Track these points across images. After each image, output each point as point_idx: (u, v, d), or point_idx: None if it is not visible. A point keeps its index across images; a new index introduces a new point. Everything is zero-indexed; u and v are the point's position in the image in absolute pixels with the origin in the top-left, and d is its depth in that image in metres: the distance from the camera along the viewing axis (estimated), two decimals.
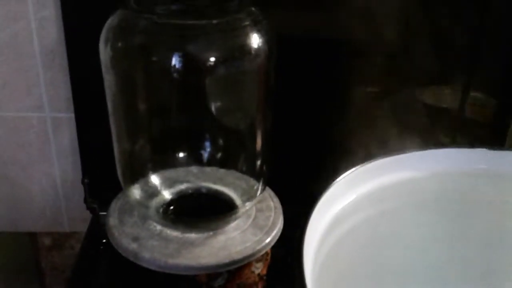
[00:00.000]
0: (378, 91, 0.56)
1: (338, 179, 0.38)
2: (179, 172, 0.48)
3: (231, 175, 0.48)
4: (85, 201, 0.54)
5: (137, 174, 0.47)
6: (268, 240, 0.43)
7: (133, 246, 0.41)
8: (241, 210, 0.45)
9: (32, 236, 0.70)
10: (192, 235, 0.43)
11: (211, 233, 0.43)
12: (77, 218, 0.64)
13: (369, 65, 0.53)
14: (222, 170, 0.48)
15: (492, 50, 0.55)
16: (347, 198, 0.38)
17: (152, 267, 0.41)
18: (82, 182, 0.56)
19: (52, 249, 0.70)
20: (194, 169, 0.48)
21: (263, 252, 0.43)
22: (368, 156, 0.40)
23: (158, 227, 0.43)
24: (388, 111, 0.55)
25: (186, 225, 0.43)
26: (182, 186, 0.47)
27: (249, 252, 0.42)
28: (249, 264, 0.43)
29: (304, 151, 0.57)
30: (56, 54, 0.54)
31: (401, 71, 0.54)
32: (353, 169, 0.39)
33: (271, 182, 0.48)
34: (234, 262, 0.41)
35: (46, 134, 0.59)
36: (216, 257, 0.41)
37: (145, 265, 0.41)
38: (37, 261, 0.71)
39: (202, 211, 0.46)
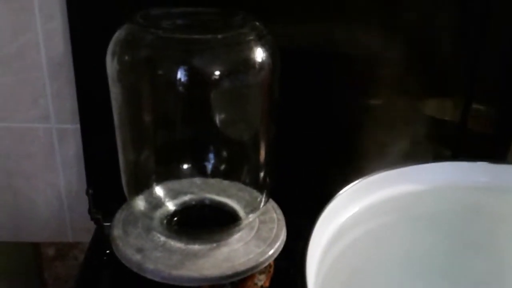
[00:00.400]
0: (380, 103, 0.56)
1: (341, 192, 0.38)
2: (183, 183, 0.48)
3: (234, 186, 0.48)
4: (89, 211, 0.55)
5: (142, 185, 0.47)
6: (271, 252, 0.43)
7: (137, 257, 0.41)
8: (245, 222, 0.45)
9: (36, 246, 0.70)
10: (196, 247, 0.43)
11: (214, 244, 0.43)
12: (81, 229, 0.64)
13: (370, 77, 0.54)
14: (226, 182, 0.48)
15: (494, 61, 0.55)
16: (349, 211, 0.39)
17: (156, 279, 0.41)
18: (87, 192, 0.56)
19: (56, 259, 0.71)
20: (198, 180, 0.49)
21: (266, 264, 0.43)
22: (370, 169, 0.41)
23: (162, 238, 0.44)
24: (390, 124, 0.55)
25: (189, 236, 0.43)
26: (186, 198, 0.48)
27: (252, 264, 0.42)
28: (252, 276, 0.43)
29: (307, 163, 0.57)
30: (62, 66, 0.55)
31: (402, 83, 0.54)
32: (356, 182, 0.39)
33: (274, 194, 0.48)
34: (237, 274, 0.41)
35: (51, 145, 0.59)
36: (219, 268, 0.41)
37: (149, 276, 0.41)
38: (40, 271, 0.72)
39: (205, 222, 0.46)
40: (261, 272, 0.44)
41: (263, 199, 0.46)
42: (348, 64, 0.54)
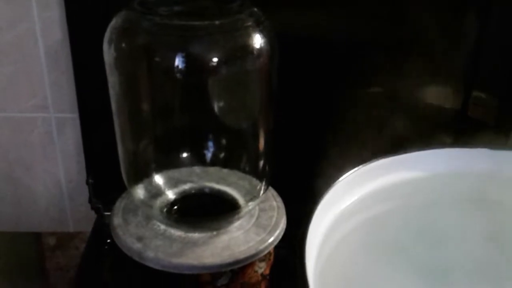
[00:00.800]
0: (380, 91, 0.56)
1: (340, 179, 0.38)
2: (183, 172, 0.48)
3: (234, 175, 0.48)
4: (90, 201, 0.55)
5: (141, 174, 0.47)
6: (271, 239, 0.43)
7: (138, 245, 0.42)
8: (244, 210, 0.45)
9: (37, 236, 0.70)
10: (196, 235, 0.43)
11: (214, 232, 0.43)
12: (81, 218, 0.64)
13: (371, 65, 0.54)
14: (225, 170, 0.48)
15: (494, 49, 0.55)
16: (349, 198, 0.39)
17: (156, 267, 0.41)
18: (87, 182, 0.56)
19: (57, 249, 0.71)
20: (197, 169, 0.48)
21: (266, 251, 0.43)
22: (370, 156, 0.41)
23: (162, 227, 0.44)
24: (391, 111, 0.55)
25: (189, 224, 0.43)
26: (186, 186, 0.48)
27: (252, 251, 0.42)
28: (252, 264, 0.43)
29: (306, 151, 0.57)
30: (60, 55, 0.55)
31: (403, 71, 0.54)
32: (355, 169, 0.39)
33: (274, 181, 0.48)
34: (237, 262, 0.41)
35: (50, 134, 0.59)
36: (219, 256, 0.41)
37: (149, 264, 0.41)
38: (41, 261, 0.72)
39: (205, 211, 0.46)
40: (261, 260, 0.44)
41: (262, 187, 0.46)
42: (347, 50, 0.53)
